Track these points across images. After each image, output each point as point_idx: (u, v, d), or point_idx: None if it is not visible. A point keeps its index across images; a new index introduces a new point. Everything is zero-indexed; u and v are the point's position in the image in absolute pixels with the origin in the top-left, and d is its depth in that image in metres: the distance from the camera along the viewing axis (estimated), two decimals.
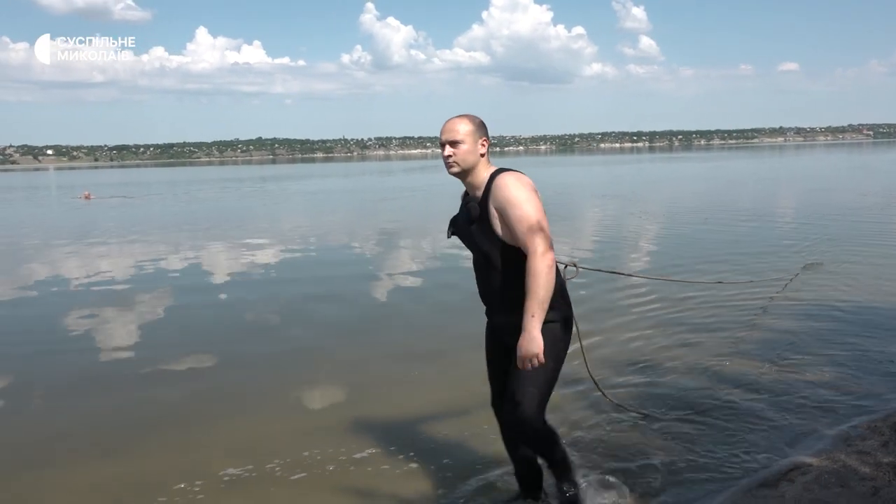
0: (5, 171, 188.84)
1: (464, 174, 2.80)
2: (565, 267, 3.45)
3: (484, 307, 3.01)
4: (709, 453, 3.64)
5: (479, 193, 2.79)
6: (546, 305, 2.61)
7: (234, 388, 5.24)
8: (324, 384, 5.25)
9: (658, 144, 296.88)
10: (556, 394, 3.11)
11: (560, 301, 2.79)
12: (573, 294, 3.00)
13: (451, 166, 2.78)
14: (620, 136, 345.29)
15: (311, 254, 12.57)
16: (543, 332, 2.63)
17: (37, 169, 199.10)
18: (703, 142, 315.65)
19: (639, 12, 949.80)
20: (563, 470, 3.02)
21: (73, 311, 8.10)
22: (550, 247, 2.62)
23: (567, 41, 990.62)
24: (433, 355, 5.76)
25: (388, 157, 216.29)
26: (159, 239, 15.25)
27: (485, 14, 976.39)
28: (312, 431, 4.23)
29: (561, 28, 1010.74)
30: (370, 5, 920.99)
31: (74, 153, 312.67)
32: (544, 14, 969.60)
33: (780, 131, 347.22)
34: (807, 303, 6.90)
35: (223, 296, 9.04)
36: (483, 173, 2.79)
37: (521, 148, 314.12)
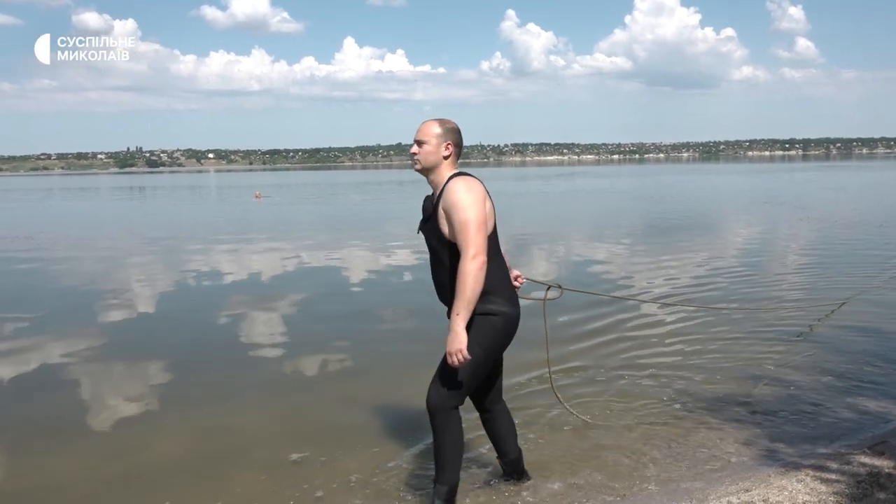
0: (172, 172, 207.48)
1: (425, 172, 3.00)
2: (548, 288, 3.73)
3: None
4: None
5: (437, 193, 2.97)
6: (472, 306, 2.77)
7: None
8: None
9: (813, 153, 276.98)
10: None
11: (506, 299, 2.95)
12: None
13: (415, 163, 3.00)
14: (770, 144, 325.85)
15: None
16: (480, 321, 2.85)
17: (199, 171, 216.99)
18: (864, 150, 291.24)
19: (796, 12, 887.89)
20: (441, 467, 3.04)
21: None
22: (482, 251, 2.77)
23: (715, 44, 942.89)
24: None
25: (523, 164, 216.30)
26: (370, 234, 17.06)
27: (628, 18, 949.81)
28: None
29: (709, 31, 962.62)
30: (511, 12, 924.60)
31: (232, 156, 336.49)
32: (692, 17, 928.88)
33: None
34: None
35: None
36: (444, 174, 2.96)
37: (661, 155, 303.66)
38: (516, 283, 3.28)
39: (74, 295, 9.40)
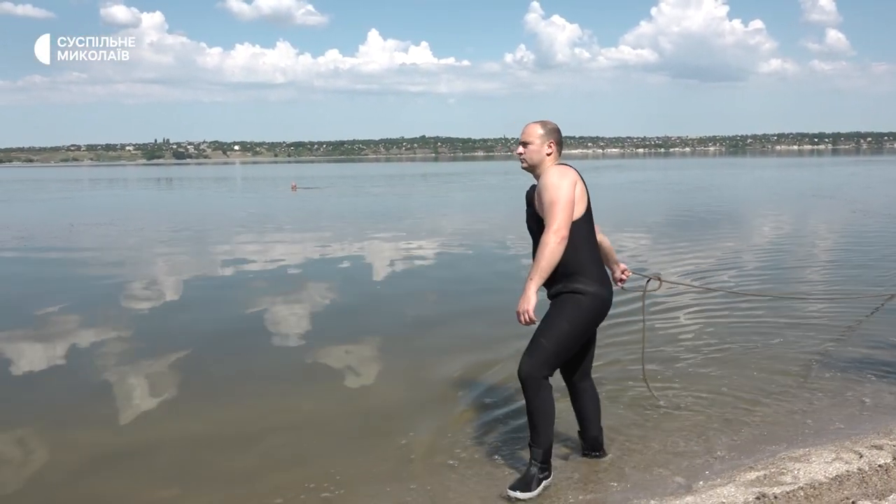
0: (199, 164, 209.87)
1: (531, 169, 3.35)
2: (647, 280, 4.04)
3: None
4: None
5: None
6: (546, 274, 3.06)
7: None
8: None
9: (843, 147, 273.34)
10: None
11: (594, 279, 3.19)
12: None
13: (522, 162, 3.36)
14: (799, 138, 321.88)
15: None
16: (567, 298, 3.15)
17: (225, 163, 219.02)
18: None
19: (827, 3, 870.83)
20: (535, 429, 3.21)
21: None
22: (564, 227, 3.06)
23: (743, 36, 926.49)
24: None
25: None
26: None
27: (654, 10, 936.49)
28: None
29: (737, 23, 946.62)
30: (535, 4, 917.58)
31: (257, 149, 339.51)
32: (719, 9, 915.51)
33: None
34: None
35: None
36: (547, 168, 3.29)
37: (686, 149, 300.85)
38: (623, 276, 3.67)
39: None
